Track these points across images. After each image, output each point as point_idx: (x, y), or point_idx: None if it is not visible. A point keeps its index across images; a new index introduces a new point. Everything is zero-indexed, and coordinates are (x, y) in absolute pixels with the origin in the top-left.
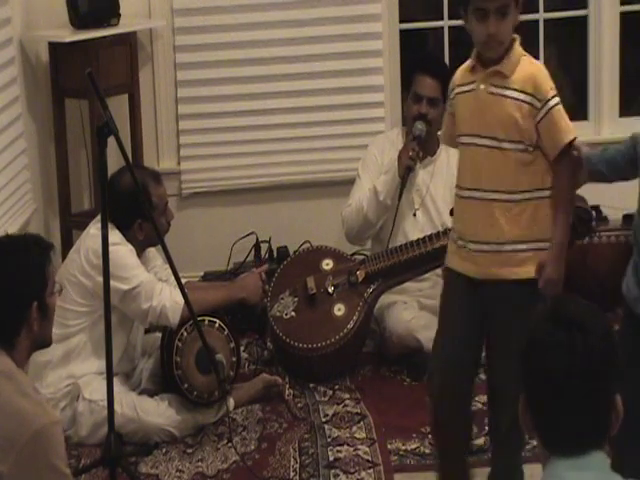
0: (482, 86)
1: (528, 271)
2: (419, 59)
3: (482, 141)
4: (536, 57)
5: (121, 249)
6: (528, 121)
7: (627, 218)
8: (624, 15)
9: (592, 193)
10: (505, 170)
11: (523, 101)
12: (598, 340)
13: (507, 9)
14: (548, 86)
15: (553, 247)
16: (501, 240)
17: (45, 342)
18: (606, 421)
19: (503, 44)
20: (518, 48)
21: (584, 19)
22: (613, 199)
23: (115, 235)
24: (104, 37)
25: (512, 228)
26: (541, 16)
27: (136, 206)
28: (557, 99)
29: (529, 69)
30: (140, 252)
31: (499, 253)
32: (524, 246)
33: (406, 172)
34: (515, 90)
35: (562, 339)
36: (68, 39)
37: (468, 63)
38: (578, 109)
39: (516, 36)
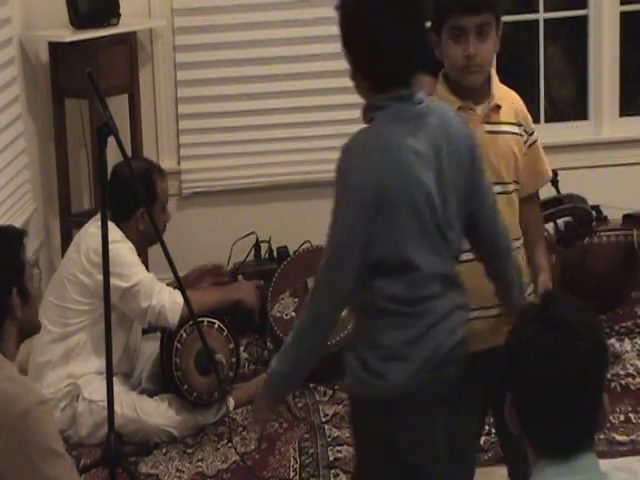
0: (479, 127)
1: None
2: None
3: None
4: (537, 57)
5: (121, 247)
6: (522, 155)
7: (627, 218)
8: (624, 15)
9: (592, 193)
10: (512, 217)
11: (517, 134)
12: (585, 342)
13: (488, 28)
14: (529, 116)
15: (546, 270)
16: (493, 303)
17: (33, 328)
18: (595, 421)
19: (483, 69)
20: (495, 75)
21: (585, 18)
22: (613, 199)
23: (115, 233)
24: (104, 37)
25: None
26: (541, 16)
27: (139, 193)
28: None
29: (512, 97)
30: (140, 251)
31: (494, 318)
32: None
33: None
34: (508, 123)
35: (548, 341)
36: (68, 39)
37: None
38: (578, 109)
39: None
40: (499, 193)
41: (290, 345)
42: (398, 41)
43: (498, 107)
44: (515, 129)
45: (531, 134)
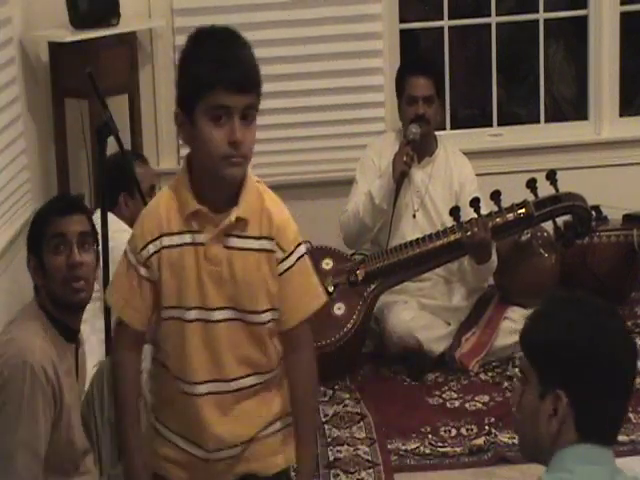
0: (214, 240)
1: (287, 458)
2: (406, 63)
3: (219, 314)
4: (536, 57)
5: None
6: (274, 277)
7: (627, 218)
8: (624, 15)
9: (592, 193)
10: (254, 348)
11: (269, 250)
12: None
13: (253, 112)
14: (293, 229)
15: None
16: (251, 435)
17: None
18: None
19: (247, 161)
20: (251, 175)
21: (585, 18)
22: (613, 199)
23: (121, 224)
24: (104, 37)
25: (267, 413)
26: (541, 16)
27: (119, 178)
28: (304, 247)
29: (268, 205)
30: None
31: (248, 448)
32: (277, 426)
33: (401, 176)
34: (257, 238)
35: (621, 327)
36: (68, 39)
37: (175, 203)
38: (578, 109)
39: None
40: (234, 319)
41: None
42: None
43: (242, 220)
44: (266, 244)
45: (290, 254)
